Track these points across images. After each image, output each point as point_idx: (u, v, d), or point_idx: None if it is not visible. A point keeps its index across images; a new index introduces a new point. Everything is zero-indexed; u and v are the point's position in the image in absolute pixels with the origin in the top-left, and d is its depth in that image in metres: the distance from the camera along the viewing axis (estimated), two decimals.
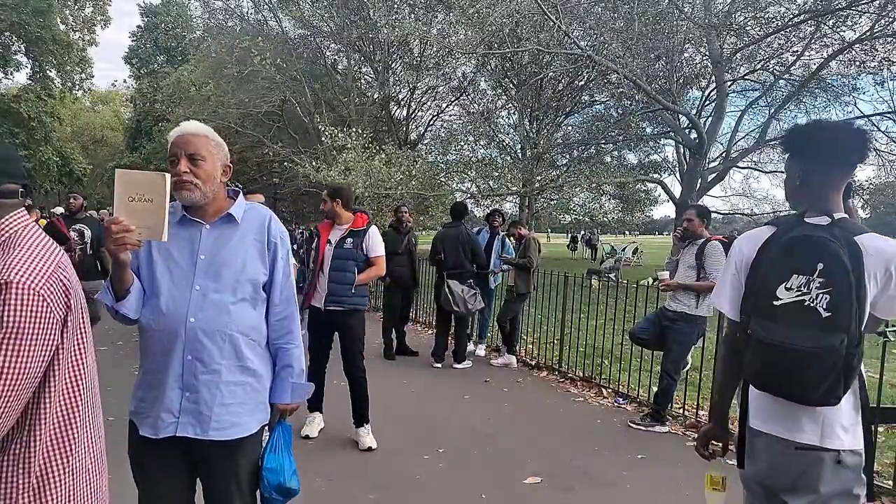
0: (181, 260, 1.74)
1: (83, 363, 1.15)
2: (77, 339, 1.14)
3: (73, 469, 1.13)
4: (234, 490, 1.79)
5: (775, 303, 1.58)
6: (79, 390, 1.14)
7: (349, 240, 3.98)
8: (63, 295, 1.07)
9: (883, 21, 11.45)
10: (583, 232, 29.76)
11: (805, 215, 1.65)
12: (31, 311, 1.00)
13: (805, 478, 1.61)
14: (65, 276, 1.09)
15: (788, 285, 1.57)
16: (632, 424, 4.58)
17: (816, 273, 1.53)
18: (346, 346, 4.04)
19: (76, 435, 1.14)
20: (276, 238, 1.83)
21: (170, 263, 1.74)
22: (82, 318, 1.16)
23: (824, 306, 1.52)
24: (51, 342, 1.05)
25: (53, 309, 1.04)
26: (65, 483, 1.12)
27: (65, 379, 1.11)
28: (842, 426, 1.60)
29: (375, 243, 4.11)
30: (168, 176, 1.58)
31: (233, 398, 1.76)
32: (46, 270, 1.05)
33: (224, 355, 1.74)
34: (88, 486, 1.19)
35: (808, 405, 1.58)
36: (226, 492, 1.79)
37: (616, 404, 5.18)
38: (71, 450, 1.13)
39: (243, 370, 1.78)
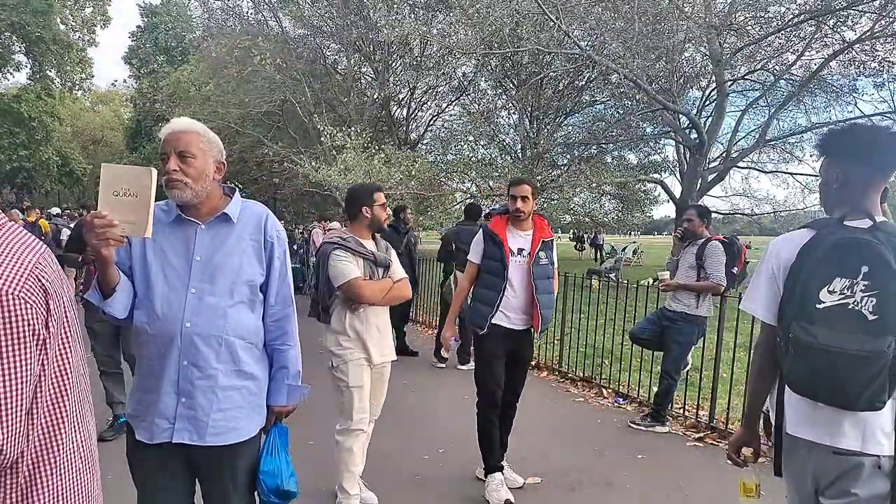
0: (176, 261, 1.70)
1: (68, 361, 1.14)
2: (61, 338, 1.12)
3: (61, 469, 1.12)
4: (233, 492, 1.78)
5: (818, 306, 1.55)
6: (65, 388, 1.13)
7: (542, 254, 3.30)
8: (42, 293, 1.04)
9: (883, 21, 11.44)
10: (578, 231, 29.65)
11: (845, 218, 1.62)
12: (16, 317, 0.98)
13: (842, 480, 1.60)
14: (43, 275, 1.06)
15: (831, 288, 1.55)
16: (632, 424, 4.57)
17: (861, 276, 1.51)
18: (520, 370, 3.52)
19: (64, 434, 1.12)
20: (272, 237, 1.80)
21: (164, 265, 1.70)
22: (66, 315, 1.14)
23: (870, 309, 1.50)
24: (40, 341, 1.04)
25: (36, 309, 1.02)
26: (54, 483, 1.11)
27: (50, 378, 1.10)
28: (883, 431, 1.58)
29: (555, 252, 3.51)
30: (154, 171, 1.53)
31: (230, 403, 1.73)
32: (23, 271, 1.01)
33: (220, 360, 1.71)
34: (79, 486, 1.18)
35: (852, 411, 1.55)
36: (224, 493, 1.78)
37: (616, 404, 5.18)
38: (59, 450, 1.11)
39: (240, 374, 1.75)
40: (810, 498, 1.69)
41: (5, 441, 0.97)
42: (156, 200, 1.59)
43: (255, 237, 1.78)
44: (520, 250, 3.28)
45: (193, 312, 1.68)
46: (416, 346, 7.03)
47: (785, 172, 16.48)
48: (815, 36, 12.80)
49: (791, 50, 13.68)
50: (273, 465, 1.82)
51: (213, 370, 1.70)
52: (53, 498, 1.10)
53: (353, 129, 14.20)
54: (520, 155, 16.92)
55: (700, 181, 14.82)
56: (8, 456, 0.98)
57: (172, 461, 1.75)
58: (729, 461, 1.91)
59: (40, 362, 1.05)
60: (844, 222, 1.61)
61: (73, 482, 1.16)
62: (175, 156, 1.66)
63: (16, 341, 0.97)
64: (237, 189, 1.87)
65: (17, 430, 0.99)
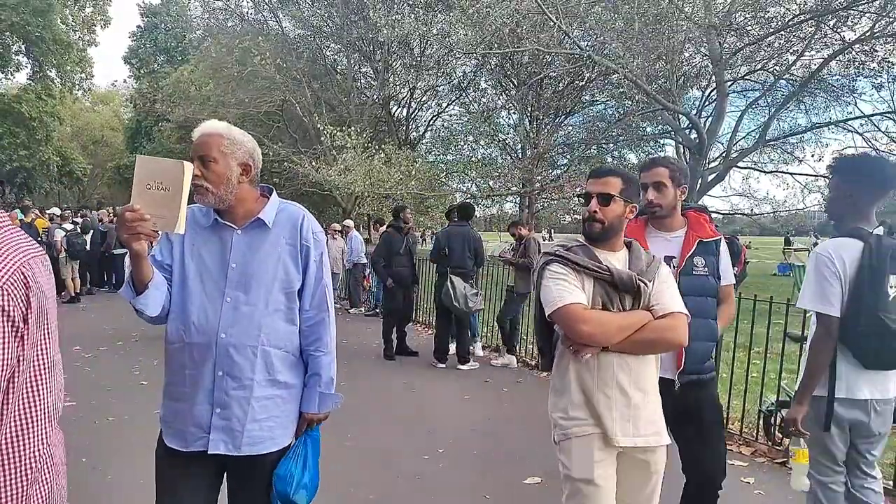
0: (213, 267, 1.68)
1: (44, 357, 1.16)
2: (39, 342, 1.14)
3: (30, 459, 1.14)
4: (263, 497, 1.75)
5: (889, 298, 2.08)
6: (38, 383, 1.15)
7: (698, 260, 2.32)
8: (24, 290, 1.07)
9: (883, 21, 11.44)
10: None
11: (875, 229, 2.16)
12: None
13: (884, 421, 2.20)
14: (28, 275, 1.09)
15: (890, 284, 2.09)
16: None
17: None
18: (700, 439, 2.33)
19: (35, 426, 1.14)
20: (308, 241, 1.75)
21: (202, 270, 1.68)
22: (47, 319, 1.16)
23: None
24: (18, 334, 1.06)
25: (16, 303, 1.05)
26: (15, 485, 1.11)
27: (28, 372, 1.11)
28: None
29: (729, 261, 2.48)
30: (188, 165, 1.50)
31: (265, 413, 1.71)
32: (8, 269, 1.04)
33: (256, 370, 1.68)
34: (43, 478, 1.20)
35: None
36: (252, 499, 1.76)
37: None
38: (23, 453, 1.12)
39: (275, 384, 1.72)
40: (847, 442, 2.24)
41: None
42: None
43: (292, 241, 1.73)
44: (667, 259, 2.24)
45: (229, 322, 1.65)
46: (416, 346, 7.04)
47: (785, 172, 16.44)
48: (815, 36, 12.78)
49: (791, 50, 13.66)
50: (286, 471, 1.76)
51: (249, 380, 1.67)
52: (18, 487, 1.11)
53: (353, 128, 14.22)
54: (520, 155, 16.93)
55: (700, 181, 14.80)
56: None
57: (204, 469, 1.72)
58: (789, 436, 2.31)
59: (17, 355, 1.06)
60: (873, 232, 2.14)
61: (40, 472, 1.17)
62: (197, 160, 1.63)
63: None
64: (273, 189, 1.81)
65: None
